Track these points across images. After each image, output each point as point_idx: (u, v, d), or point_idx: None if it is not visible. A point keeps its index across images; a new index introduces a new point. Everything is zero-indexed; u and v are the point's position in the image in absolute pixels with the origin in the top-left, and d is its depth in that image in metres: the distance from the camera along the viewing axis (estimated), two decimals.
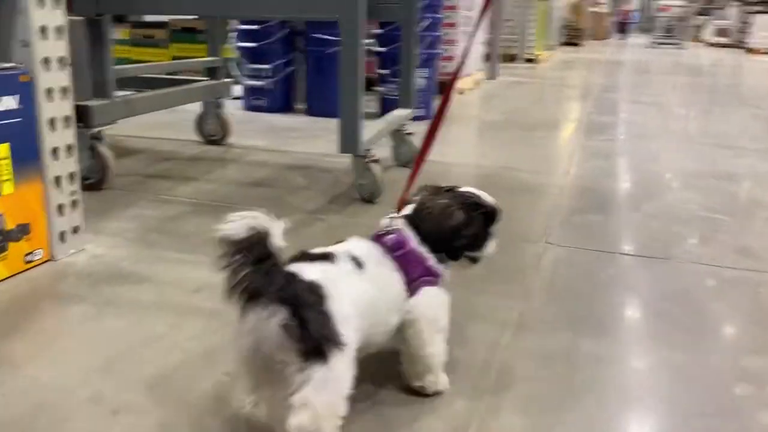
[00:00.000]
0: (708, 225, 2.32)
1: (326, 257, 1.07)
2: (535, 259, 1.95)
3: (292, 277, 0.97)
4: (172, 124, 3.83)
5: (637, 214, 2.41)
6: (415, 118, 4.35)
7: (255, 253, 0.92)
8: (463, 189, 1.26)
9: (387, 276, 1.14)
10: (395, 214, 1.25)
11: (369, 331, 1.05)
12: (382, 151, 3.12)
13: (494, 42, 7.25)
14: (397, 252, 1.16)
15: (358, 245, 1.16)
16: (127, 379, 1.26)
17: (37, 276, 1.71)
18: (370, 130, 2.54)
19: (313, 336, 0.92)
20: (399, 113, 3.03)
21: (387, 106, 4.18)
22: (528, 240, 2.10)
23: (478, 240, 1.24)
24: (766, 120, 4.91)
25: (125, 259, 1.85)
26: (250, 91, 4.52)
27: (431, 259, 1.19)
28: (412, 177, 1.35)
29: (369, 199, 2.46)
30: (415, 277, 1.16)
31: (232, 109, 4.52)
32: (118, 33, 5.39)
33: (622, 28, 22.61)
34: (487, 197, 1.25)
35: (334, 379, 0.93)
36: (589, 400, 1.25)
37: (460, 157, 3.35)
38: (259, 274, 0.92)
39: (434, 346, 1.17)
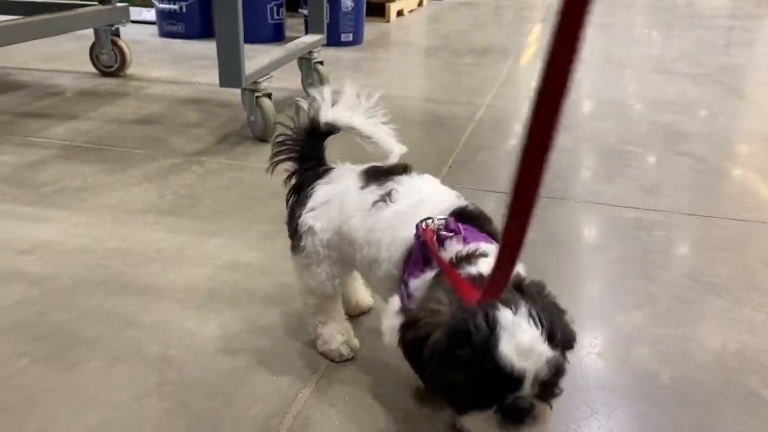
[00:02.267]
0: (620, 159, 2.19)
1: (388, 176, 1.02)
2: None
3: (307, 181, 1.09)
4: (72, 53, 3.51)
5: None
6: (342, 44, 4.11)
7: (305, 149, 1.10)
8: (529, 306, 0.72)
9: (392, 231, 0.94)
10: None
11: (350, 256, 1.03)
12: (293, 82, 2.90)
13: None
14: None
15: (440, 191, 1.01)
16: None
17: None
18: (260, 59, 2.30)
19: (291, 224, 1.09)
20: (306, 39, 2.77)
21: None
22: None
23: (440, 384, 0.75)
24: (708, 42, 4.74)
25: None
26: (164, 16, 4.16)
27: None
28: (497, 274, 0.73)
29: (262, 138, 2.26)
30: (411, 271, 0.89)
31: (146, 36, 4.19)
32: None
33: None
34: (515, 345, 0.69)
35: (298, 258, 1.07)
36: None
37: (378, 88, 3.11)
38: (298, 172, 1.11)
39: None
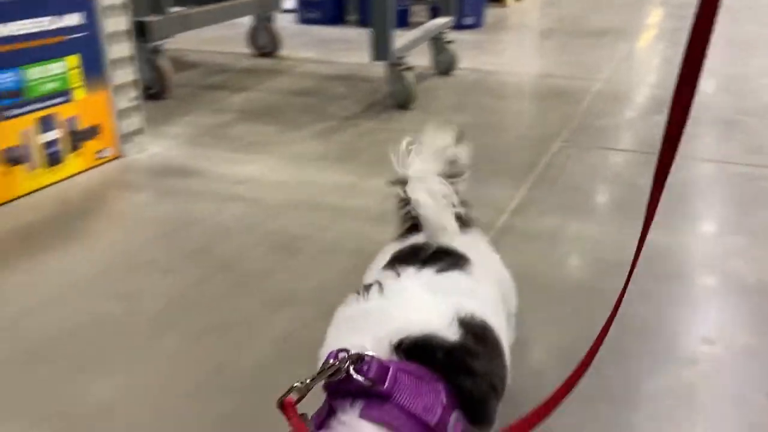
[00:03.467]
0: (731, 126, 2.37)
1: (406, 262, 0.79)
2: (547, 156, 2.08)
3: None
4: (228, 38, 4.04)
5: (662, 117, 2.47)
6: (464, 27, 4.42)
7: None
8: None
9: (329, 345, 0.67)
10: None
11: None
12: (423, 59, 3.25)
13: None
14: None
15: (426, 304, 0.71)
16: (176, 249, 1.54)
17: (107, 170, 2.01)
18: (403, 38, 2.66)
19: None
20: (438, 21, 3.12)
21: (437, 15, 4.23)
22: (545, 140, 2.23)
23: None
24: None
25: (180, 157, 2.12)
26: (304, 4, 4.65)
27: None
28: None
29: (403, 105, 2.63)
30: None
31: (286, 23, 4.69)
32: None
33: None
34: None
35: None
36: (566, 270, 1.44)
37: (500, 65, 3.42)
38: None
39: None
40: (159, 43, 2.72)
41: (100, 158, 2.03)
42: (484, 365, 0.66)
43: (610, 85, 2.94)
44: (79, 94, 1.94)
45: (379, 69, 2.83)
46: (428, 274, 0.75)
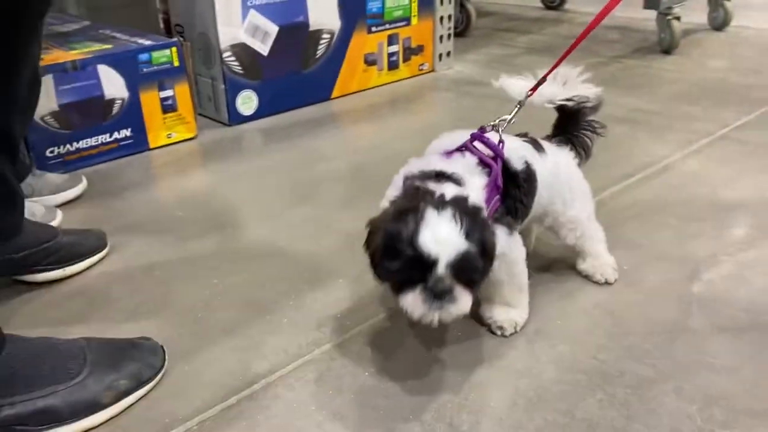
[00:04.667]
0: None
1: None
2: None
3: None
4: None
5: None
6: None
7: None
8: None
9: None
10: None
11: None
12: (697, 17, 3.52)
13: None
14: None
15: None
16: (473, 122, 2.26)
17: (424, 78, 2.81)
18: None
19: None
20: None
21: None
22: None
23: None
24: None
25: (476, 74, 2.84)
26: None
27: None
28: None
29: (666, 50, 3.00)
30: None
31: None
32: None
33: None
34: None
35: None
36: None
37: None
38: None
39: None
40: None
41: (421, 70, 2.84)
42: (522, 188, 1.14)
43: None
44: (414, 21, 2.74)
45: (651, 23, 3.21)
46: (520, 139, 1.26)
